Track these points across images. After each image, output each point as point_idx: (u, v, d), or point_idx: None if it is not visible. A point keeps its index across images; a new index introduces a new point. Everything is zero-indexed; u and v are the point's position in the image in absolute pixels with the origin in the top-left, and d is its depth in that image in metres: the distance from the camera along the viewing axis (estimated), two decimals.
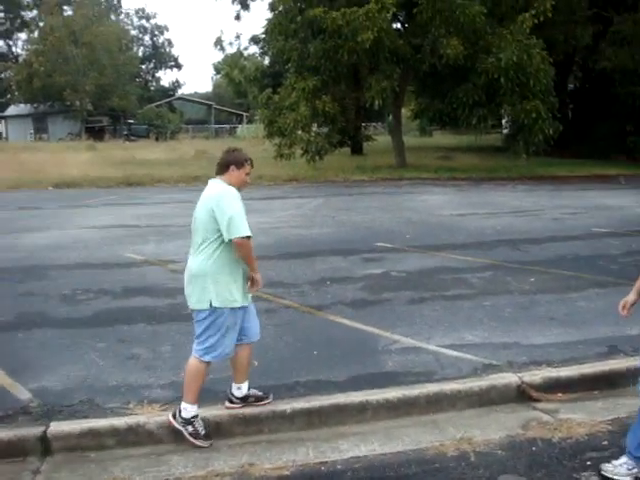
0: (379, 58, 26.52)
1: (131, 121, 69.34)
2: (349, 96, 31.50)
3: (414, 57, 27.31)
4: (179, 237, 13.34)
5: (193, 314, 5.48)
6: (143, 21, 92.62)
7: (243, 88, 46.50)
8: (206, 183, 5.49)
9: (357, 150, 38.35)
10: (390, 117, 39.62)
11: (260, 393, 5.72)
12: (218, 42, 34.93)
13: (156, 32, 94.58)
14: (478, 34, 26.23)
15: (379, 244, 12.58)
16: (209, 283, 5.28)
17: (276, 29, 30.11)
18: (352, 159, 33.77)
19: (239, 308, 5.42)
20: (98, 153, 39.18)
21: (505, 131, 39.97)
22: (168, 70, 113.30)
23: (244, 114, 72.80)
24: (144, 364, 6.62)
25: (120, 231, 14.65)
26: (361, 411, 5.70)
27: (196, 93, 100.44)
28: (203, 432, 5.31)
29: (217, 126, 75.77)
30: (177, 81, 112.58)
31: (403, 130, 34.32)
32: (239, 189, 5.45)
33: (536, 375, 6.26)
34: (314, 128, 30.47)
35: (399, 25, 31.43)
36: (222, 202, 5.21)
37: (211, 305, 5.29)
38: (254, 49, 43.27)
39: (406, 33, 29.63)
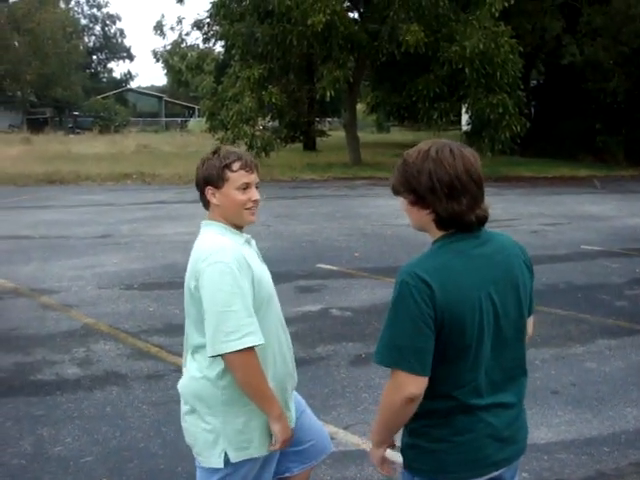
0: (332, 45, 23.91)
1: (76, 113, 66.00)
2: (301, 88, 29.16)
3: (370, 44, 24.70)
4: (72, 254, 10.71)
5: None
6: (94, 10, 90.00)
7: (184, 77, 43.63)
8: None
9: (310, 146, 35.80)
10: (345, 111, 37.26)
11: None
12: (158, 26, 32.21)
13: (108, 22, 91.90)
14: (441, 20, 23.85)
15: (321, 265, 9.93)
16: (216, 420, 2.77)
17: (221, 12, 27.51)
18: (303, 156, 31.16)
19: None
20: (32, 147, 35.89)
21: (465, 128, 37.65)
22: (120, 61, 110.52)
23: (196, 107, 70.34)
24: None
25: (4, 244, 11.78)
26: None
27: (153, 86, 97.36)
28: None
29: (168, 119, 72.80)
30: (129, 73, 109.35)
31: (360, 126, 31.93)
32: (242, 223, 2.84)
33: None
34: (264, 122, 27.94)
35: (356, 14, 29.00)
36: (204, 280, 2.67)
37: (227, 461, 2.74)
38: (197, 34, 40.58)
39: (362, 19, 27.17)
